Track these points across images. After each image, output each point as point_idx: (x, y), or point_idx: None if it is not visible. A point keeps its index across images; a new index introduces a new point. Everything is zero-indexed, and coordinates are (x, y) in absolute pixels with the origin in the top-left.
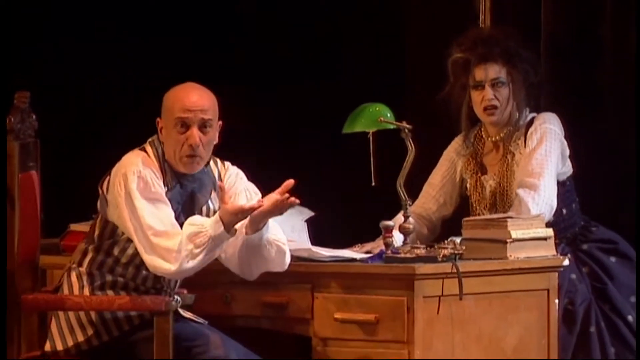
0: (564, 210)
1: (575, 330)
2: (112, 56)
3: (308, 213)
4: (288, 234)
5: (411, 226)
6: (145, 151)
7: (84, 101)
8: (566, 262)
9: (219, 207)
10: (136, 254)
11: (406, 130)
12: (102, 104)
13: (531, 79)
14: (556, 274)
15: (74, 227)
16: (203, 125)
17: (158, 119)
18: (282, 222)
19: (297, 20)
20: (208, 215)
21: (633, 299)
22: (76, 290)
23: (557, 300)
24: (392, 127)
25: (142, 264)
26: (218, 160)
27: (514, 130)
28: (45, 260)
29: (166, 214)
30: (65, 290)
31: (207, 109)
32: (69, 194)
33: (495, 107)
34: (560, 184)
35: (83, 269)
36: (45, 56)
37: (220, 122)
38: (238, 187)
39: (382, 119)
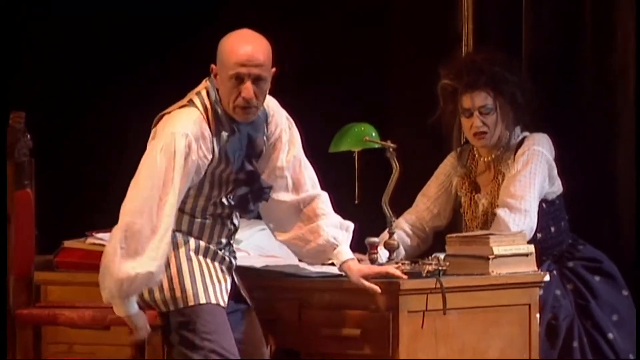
0: (552, 229)
1: (558, 344)
2: (105, 76)
3: None
4: (276, 250)
5: (396, 242)
6: (195, 105)
7: (79, 120)
8: (547, 278)
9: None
10: (206, 207)
11: (391, 150)
12: (96, 122)
13: (519, 100)
14: (537, 289)
15: (68, 244)
16: (257, 79)
17: (213, 66)
18: (270, 238)
19: (283, 42)
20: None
21: (615, 317)
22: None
23: (538, 315)
24: (377, 146)
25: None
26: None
27: (504, 150)
28: (40, 276)
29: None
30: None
31: (262, 63)
32: (63, 212)
33: (484, 133)
34: (550, 203)
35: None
36: (40, 75)
37: (274, 69)
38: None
39: (367, 138)
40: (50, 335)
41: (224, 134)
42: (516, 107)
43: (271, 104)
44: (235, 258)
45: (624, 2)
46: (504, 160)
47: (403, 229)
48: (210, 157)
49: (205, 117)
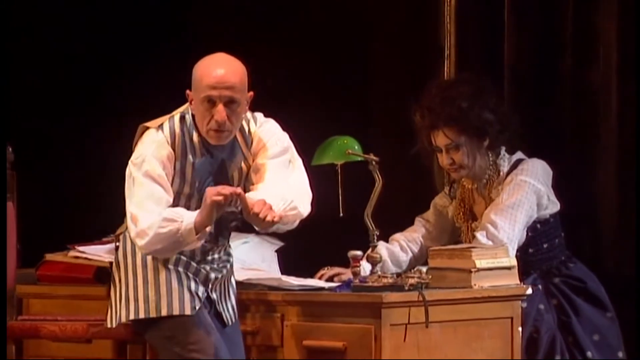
0: (545, 245)
1: (538, 358)
2: (87, 90)
3: (278, 243)
4: (258, 263)
5: (378, 256)
6: (162, 130)
7: (61, 133)
8: (529, 291)
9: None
10: None
11: (373, 163)
12: (79, 135)
13: (491, 129)
14: (519, 302)
15: (50, 257)
16: (230, 102)
17: (188, 91)
18: (252, 251)
19: (265, 56)
20: (240, 181)
21: (596, 337)
22: (129, 256)
23: (520, 328)
24: (359, 159)
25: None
26: (250, 117)
27: (494, 175)
28: (22, 290)
29: (161, 196)
30: (120, 254)
31: (233, 86)
32: (45, 225)
33: (456, 168)
34: (544, 222)
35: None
36: (22, 89)
37: (251, 93)
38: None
39: (349, 151)
40: (32, 348)
41: (190, 158)
42: (490, 136)
43: (261, 130)
44: (219, 272)
45: (606, 17)
46: (494, 187)
47: (398, 242)
48: (170, 177)
49: (170, 141)
